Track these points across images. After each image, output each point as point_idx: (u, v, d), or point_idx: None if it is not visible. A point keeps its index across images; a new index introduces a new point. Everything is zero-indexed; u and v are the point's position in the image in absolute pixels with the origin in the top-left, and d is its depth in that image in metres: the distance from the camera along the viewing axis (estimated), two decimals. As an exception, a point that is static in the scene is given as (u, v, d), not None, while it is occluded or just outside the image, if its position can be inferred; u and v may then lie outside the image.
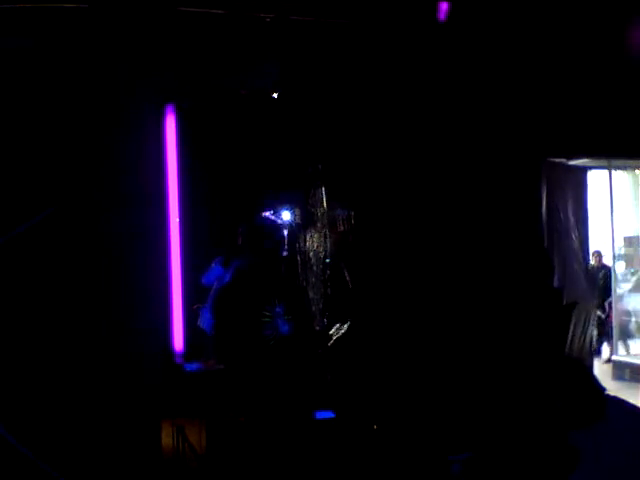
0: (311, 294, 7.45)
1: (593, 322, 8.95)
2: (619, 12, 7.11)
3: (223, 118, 7.56)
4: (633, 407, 5.21)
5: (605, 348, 11.15)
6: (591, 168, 9.46)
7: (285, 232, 7.44)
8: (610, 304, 10.95)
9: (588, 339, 8.72)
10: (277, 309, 5.41)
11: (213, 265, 7.49)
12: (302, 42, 7.32)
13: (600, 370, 9.85)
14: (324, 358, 7.28)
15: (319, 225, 7.61)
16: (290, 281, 7.12)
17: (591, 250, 10.29)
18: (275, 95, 7.49)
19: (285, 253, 7.25)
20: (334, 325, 6.84)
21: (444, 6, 7.24)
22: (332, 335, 6.78)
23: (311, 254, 7.54)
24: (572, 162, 8.75)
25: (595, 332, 9.34)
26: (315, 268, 7.50)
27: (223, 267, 7.42)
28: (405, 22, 7.36)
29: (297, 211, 7.58)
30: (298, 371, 6.13)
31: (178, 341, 7.25)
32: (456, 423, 7.12)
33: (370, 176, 7.61)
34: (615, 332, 10.63)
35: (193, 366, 7.30)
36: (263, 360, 5.98)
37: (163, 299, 7.09)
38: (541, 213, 7.85)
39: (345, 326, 6.77)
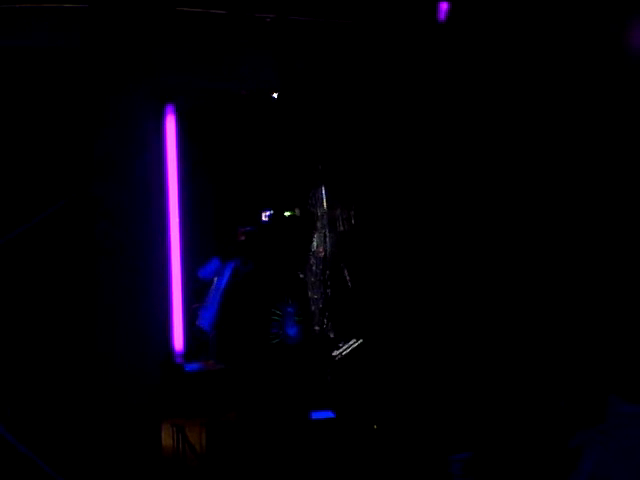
0: (311, 294, 7.46)
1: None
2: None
3: (223, 118, 7.56)
4: (632, 407, 5.22)
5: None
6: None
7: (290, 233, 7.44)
8: None
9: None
10: (289, 309, 5.37)
11: (212, 259, 7.50)
12: (302, 42, 7.32)
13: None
14: (326, 360, 7.28)
15: (319, 225, 7.61)
16: (300, 282, 7.14)
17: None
18: (275, 95, 7.49)
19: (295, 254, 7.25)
20: (344, 340, 6.84)
21: (444, 6, 7.24)
22: (341, 348, 6.77)
23: (311, 254, 7.55)
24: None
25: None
26: (315, 268, 7.51)
27: (221, 262, 7.43)
28: (405, 22, 7.37)
29: (297, 211, 7.58)
30: (300, 372, 6.11)
31: (178, 341, 7.25)
32: (456, 423, 7.13)
33: (370, 176, 7.62)
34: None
35: (193, 366, 7.30)
36: (265, 359, 5.95)
37: (163, 299, 7.10)
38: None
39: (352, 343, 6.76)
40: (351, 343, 6.79)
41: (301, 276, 7.23)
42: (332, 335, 7.37)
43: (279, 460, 6.07)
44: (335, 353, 6.61)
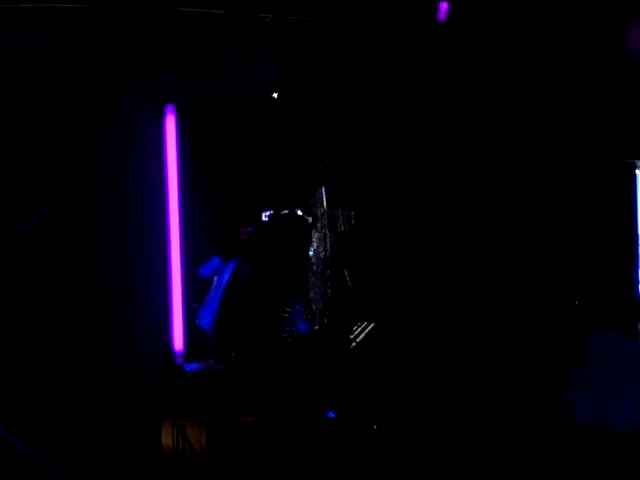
0: (311, 294, 7.46)
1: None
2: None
3: (223, 118, 7.57)
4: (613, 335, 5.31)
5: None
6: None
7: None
8: None
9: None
10: (297, 306, 5.35)
11: (212, 258, 7.51)
12: (302, 42, 7.32)
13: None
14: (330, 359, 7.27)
15: (319, 225, 7.62)
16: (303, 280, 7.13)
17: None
18: (275, 95, 7.49)
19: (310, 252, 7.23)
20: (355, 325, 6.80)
21: (444, 6, 7.24)
22: (355, 334, 6.74)
23: (311, 254, 7.55)
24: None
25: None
26: (315, 268, 7.51)
27: (222, 261, 7.43)
28: (405, 22, 7.37)
29: (299, 212, 7.59)
30: (313, 370, 6.06)
31: (178, 341, 7.25)
32: (458, 423, 7.12)
33: (370, 176, 7.62)
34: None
35: (193, 366, 7.30)
36: (280, 357, 5.91)
37: (163, 299, 7.09)
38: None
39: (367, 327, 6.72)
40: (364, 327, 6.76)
41: (302, 276, 7.21)
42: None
43: (281, 460, 6.01)
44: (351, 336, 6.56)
